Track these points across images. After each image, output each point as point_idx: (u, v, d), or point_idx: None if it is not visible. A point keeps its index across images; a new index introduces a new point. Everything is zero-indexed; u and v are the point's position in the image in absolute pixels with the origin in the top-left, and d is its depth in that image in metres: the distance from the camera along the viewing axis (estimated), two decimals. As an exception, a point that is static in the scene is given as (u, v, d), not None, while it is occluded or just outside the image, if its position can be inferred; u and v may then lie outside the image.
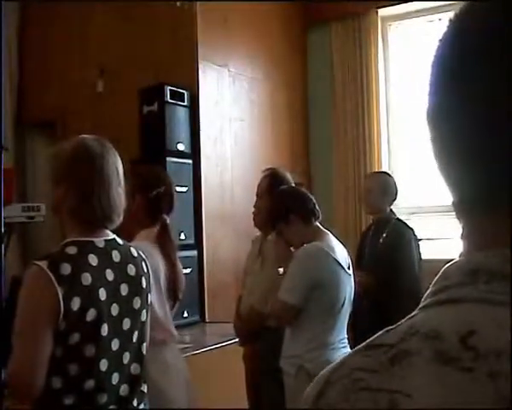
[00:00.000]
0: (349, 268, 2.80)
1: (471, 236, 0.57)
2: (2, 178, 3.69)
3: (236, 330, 3.42)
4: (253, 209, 3.44)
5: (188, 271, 4.33)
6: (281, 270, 2.96)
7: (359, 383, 0.52)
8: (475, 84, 0.53)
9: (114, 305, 1.81)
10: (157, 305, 2.62)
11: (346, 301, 2.75)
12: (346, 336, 2.79)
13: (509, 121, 0.51)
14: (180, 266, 2.82)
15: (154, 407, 2.41)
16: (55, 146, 2.01)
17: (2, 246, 4.22)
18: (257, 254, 3.36)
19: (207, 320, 4.82)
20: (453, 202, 0.59)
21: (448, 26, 0.57)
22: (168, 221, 2.77)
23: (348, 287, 2.76)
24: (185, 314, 4.47)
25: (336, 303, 2.70)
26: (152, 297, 2.53)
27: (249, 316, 3.26)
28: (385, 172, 4.55)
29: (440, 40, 0.58)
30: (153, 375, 2.49)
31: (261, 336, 3.17)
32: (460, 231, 0.59)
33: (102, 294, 1.77)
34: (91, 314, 1.73)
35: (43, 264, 1.70)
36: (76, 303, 1.71)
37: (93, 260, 1.79)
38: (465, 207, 0.57)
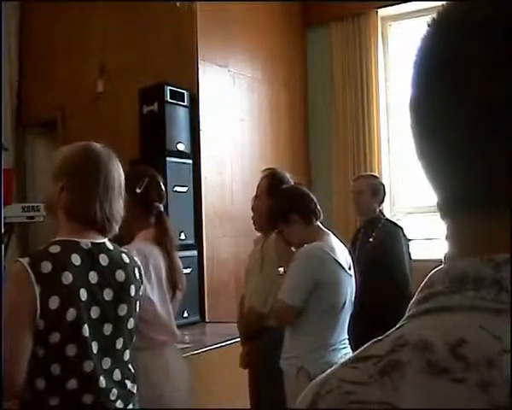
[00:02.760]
0: (350, 269, 2.79)
1: (455, 239, 0.56)
2: (3, 178, 3.69)
3: (240, 330, 3.42)
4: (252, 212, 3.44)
5: (188, 271, 4.33)
6: (281, 270, 2.96)
7: (349, 395, 0.51)
8: (454, 85, 0.53)
9: (95, 308, 1.80)
10: (159, 304, 2.62)
11: (347, 302, 2.74)
12: (346, 336, 2.78)
13: (489, 121, 0.51)
14: (177, 255, 2.82)
15: (155, 408, 2.41)
16: (64, 145, 2.02)
17: (2, 246, 4.23)
18: (258, 254, 3.35)
19: (207, 320, 4.82)
20: (437, 203, 0.58)
21: (429, 25, 0.57)
22: (162, 209, 2.79)
23: (349, 287, 2.75)
24: (185, 314, 4.47)
25: (337, 304, 2.69)
26: (153, 297, 2.54)
27: (249, 316, 3.26)
28: (373, 175, 4.63)
29: (422, 39, 0.57)
30: (153, 377, 2.49)
31: (261, 336, 3.17)
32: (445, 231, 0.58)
33: (83, 295, 1.76)
34: (71, 314, 1.73)
35: (25, 261, 1.72)
36: (55, 302, 1.70)
37: (76, 259, 1.78)
38: (448, 209, 0.57)
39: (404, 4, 5.74)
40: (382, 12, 5.88)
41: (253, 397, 3.35)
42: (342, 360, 0.56)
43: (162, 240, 2.73)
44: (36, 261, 1.72)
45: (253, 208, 3.43)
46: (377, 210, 4.19)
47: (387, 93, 5.91)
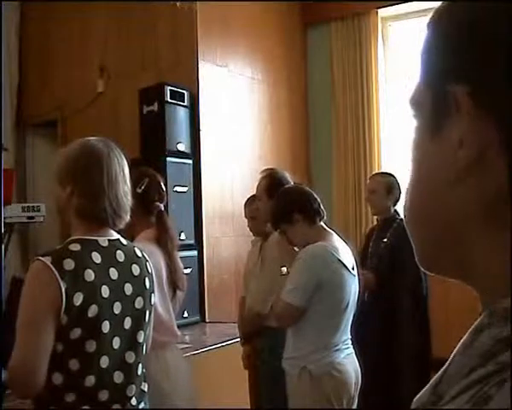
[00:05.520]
0: (353, 269, 2.79)
1: None
2: (2, 178, 3.70)
3: (240, 331, 3.42)
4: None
5: (188, 271, 4.33)
6: (284, 270, 2.95)
7: None
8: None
9: (117, 303, 1.82)
10: (160, 305, 2.62)
11: (350, 302, 2.73)
12: (349, 336, 2.77)
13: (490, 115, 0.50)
14: (177, 255, 2.82)
15: (156, 408, 2.41)
16: (62, 148, 2.03)
17: (2, 246, 4.23)
18: (257, 255, 3.35)
19: (207, 320, 4.82)
20: None
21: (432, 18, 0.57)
22: (163, 208, 2.80)
23: (352, 288, 2.75)
24: (185, 314, 4.47)
25: (340, 304, 2.68)
26: (154, 297, 2.54)
27: (249, 317, 3.26)
28: (388, 173, 4.50)
29: (427, 29, 0.57)
30: (155, 377, 2.49)
31: (261, 336, 3.17)
32: None
33: (105, 291, 1.79)
34: (93, 311, 1.75)
35: (47, 259, 1.72)
36: (78, 299, 1.72)
37: (96, 257, 1.81)
38: None
39: (404, 4, 5.74)
40: (382, 12, 5.88)
41: (253, 397, 3.35)
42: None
43: (163, 240, 2.73)
44: (58, 259, 1.73)
45: (246, 215, 3.47)
46: (392, 209, 4.07)
47: (387, 93, 5.91)
